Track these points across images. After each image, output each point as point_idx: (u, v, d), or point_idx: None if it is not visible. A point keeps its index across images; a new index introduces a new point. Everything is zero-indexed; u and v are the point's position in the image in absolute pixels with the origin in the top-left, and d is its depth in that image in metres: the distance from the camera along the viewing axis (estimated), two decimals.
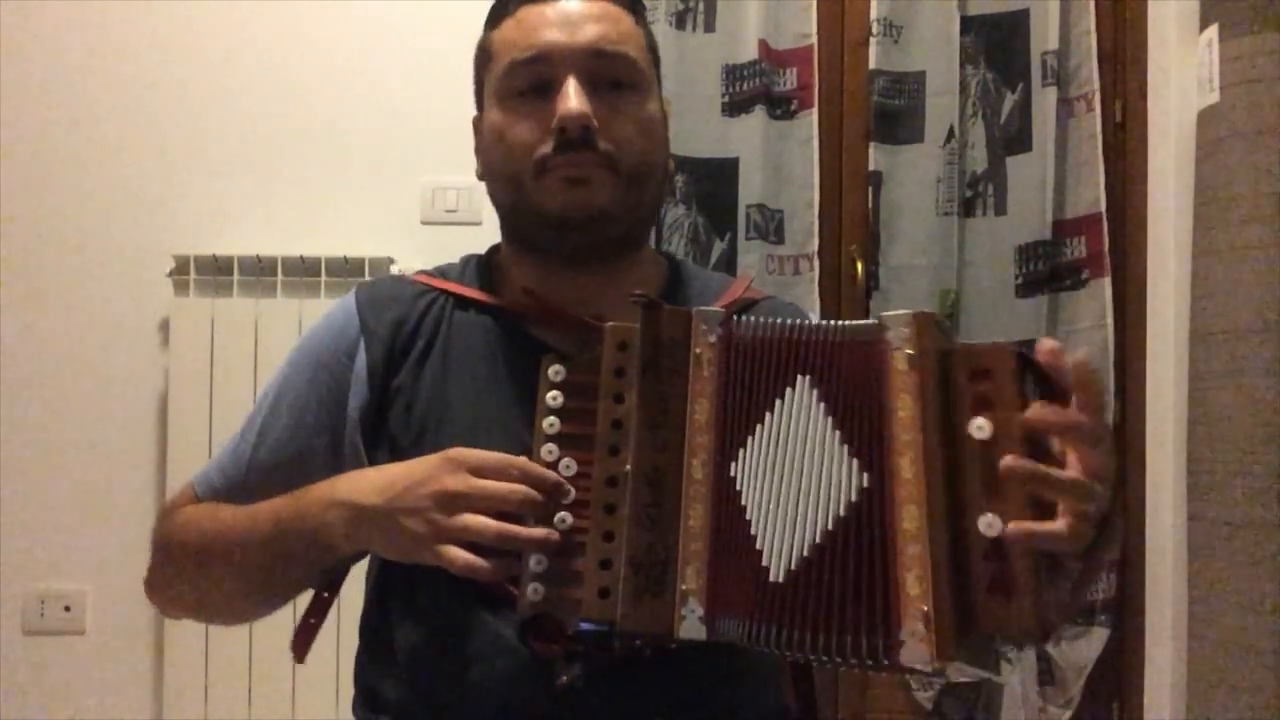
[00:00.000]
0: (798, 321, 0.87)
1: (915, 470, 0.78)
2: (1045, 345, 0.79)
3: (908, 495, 0.78)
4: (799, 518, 0.81)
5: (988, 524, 0.75)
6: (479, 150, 1.09)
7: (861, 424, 0.81)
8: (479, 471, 0.88)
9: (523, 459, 0.89)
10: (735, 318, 0.88)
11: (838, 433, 0.82)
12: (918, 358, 0.80)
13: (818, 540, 0.80)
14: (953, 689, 2.38)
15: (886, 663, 0.77)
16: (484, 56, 1.07)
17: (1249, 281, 2.02)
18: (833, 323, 0.85)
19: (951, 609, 0.75)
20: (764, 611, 0.81)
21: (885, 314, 0.82)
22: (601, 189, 1.00)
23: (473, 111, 1.11)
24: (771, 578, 0.81)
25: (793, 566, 0.80)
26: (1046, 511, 0.75)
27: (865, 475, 0.80)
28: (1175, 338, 2.26)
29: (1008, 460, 0.74)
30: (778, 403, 0.84)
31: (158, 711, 2.36)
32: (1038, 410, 0.76)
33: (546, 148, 0.99)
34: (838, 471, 0.81)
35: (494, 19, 1.07)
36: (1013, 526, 0.74)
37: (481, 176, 1.08)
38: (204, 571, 1.03)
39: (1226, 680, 2.00)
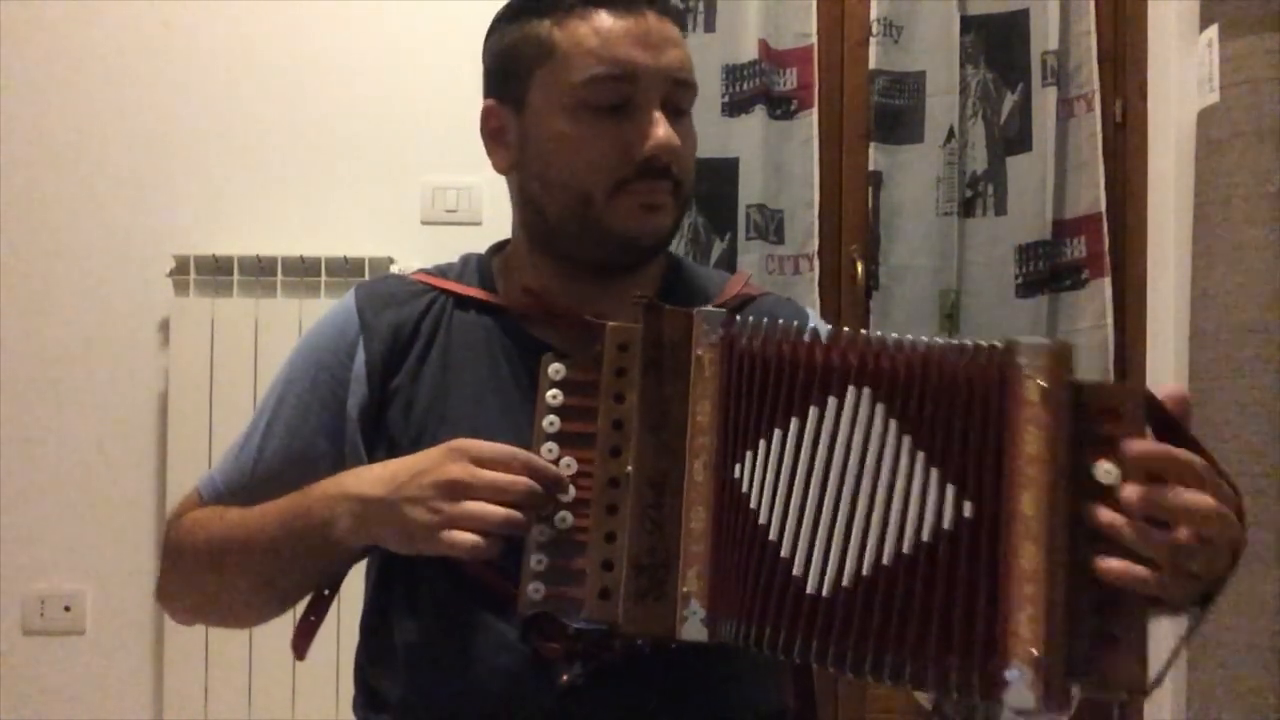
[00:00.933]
0: (879, 333, 0.84)
1: (1037, 509, 0.75)
2: (1173, 391, 0.77)
3: (1026, 532, 0.75)
4: (854, 534, 0.80)
5: (1106, 568, 0.72)
6: (507, 144, 1.04)
7: (964, 451, 0.78)
8: (482, 461, 0.88)
9: (525, 452, 0.89)
10: (738, 318, 0.88)
11: (921, 454, 0.79)
12: (1051, 391, 0.75)
13: (884, 561, 0.79)
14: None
15: (980, 697, 0.75)
16: (539, 51, 1.00)
17: (1249, 281, 2.02)
18: (919, 339, 0.81)
19: (1060, 656, 0.73)
20: (792, 621, 0.80)
21: (1020, 340, 0.78)
22: (669, 214, 1.01)
23: (473, 110, 1.06)
24: (809, 590, 0.80)
25: (845, 583, 0.79)
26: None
27: (967, 504, 0.77)
28: (1175, 338, 2.26)
29: (1128, 492, 0.72)
30: (812, 410, 0.83)
31: (158, 711, 2.36)
32: (1164, 450, 0.74)
33: (627, 171, 0.98)
34: (919, 493, 0.79)
35: (550, 9, 1.00)
36: (1130, 573, 0.72)
37: (505, 170, 1.05)
38: (215, 573, 1.03)
39: (1226, 680, 2.00)
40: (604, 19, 0.99)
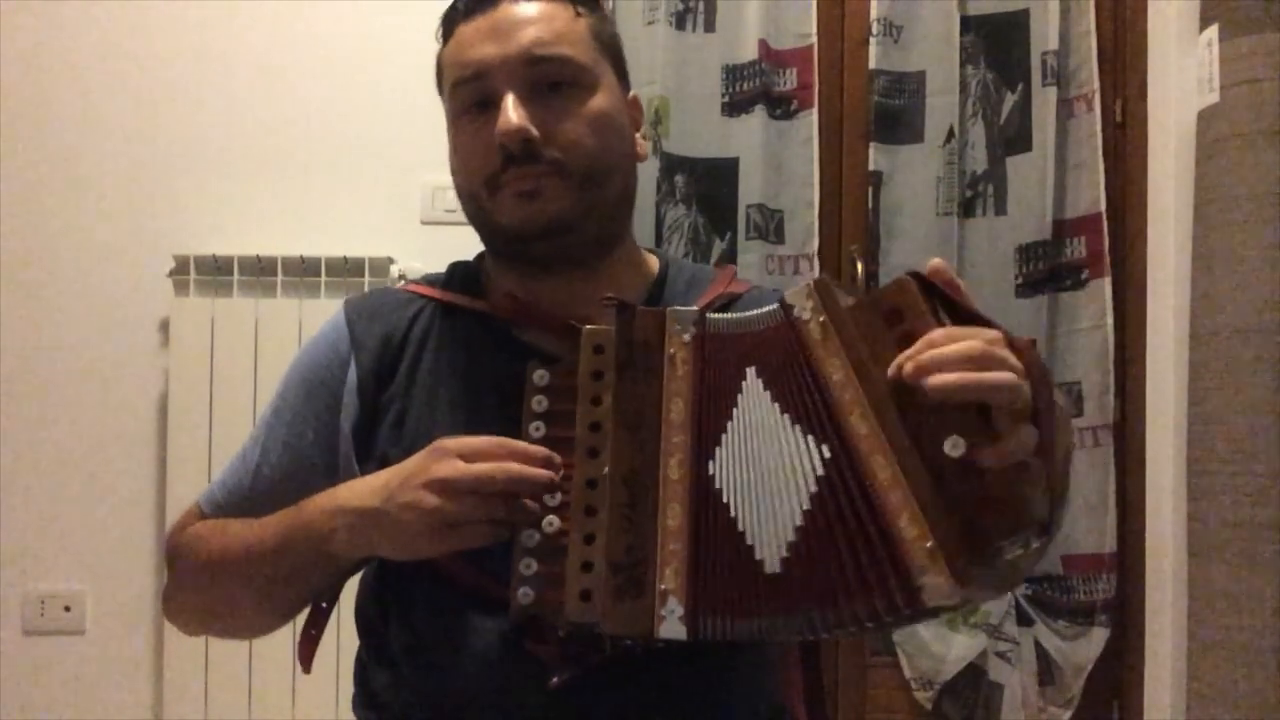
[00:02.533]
0: (744, 314, 0.89)
1: (869, 423, 0.80)
2: (934, 265, 0.81)
3: (871, 447, 0.79)
4: (776, 506, 0.82)
5: (953, 445, 0.76)
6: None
7: (803, 401, 0.83)
8: (466, 456, 0.88)
9: (509, 439, 0.89)
10: (706, 316, 0.89)
11: (786, 416, 0.83)
12: (829, 322, 0.83)
13: (799, 523, 0.81)
14: (952, 689, 2.38)
15: (910, 611, 0.77)
16: (438, 77, 1.09)
17: (1249, 282, 2.02)
18: (755, 312, 0.87)
19: (953, 536, 0.76)
20: (764, 605, 0.82)
21: (786, 291, 0.85)
22: (554, 198, 1.00)
23: None
24: (767, 570, 0.82)
25: (785, 554, 0.81)
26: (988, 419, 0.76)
27: (824, 447, 0.81)
28: (1175, 338, 2.26)
29: (935, 380, 0.75)
30: (739, 397, 0.86)
31: (158, 711, 2.36)
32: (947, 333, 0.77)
33: (494, 165, 1.00)
34: (797, 452, 0.82)
35: (443, 38, 1.07)
36: (961, 453, 0.75)
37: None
38: (216, 586, 1.03)
39: (1226, 680, 2.00)
40: (464, 28, 1.03)
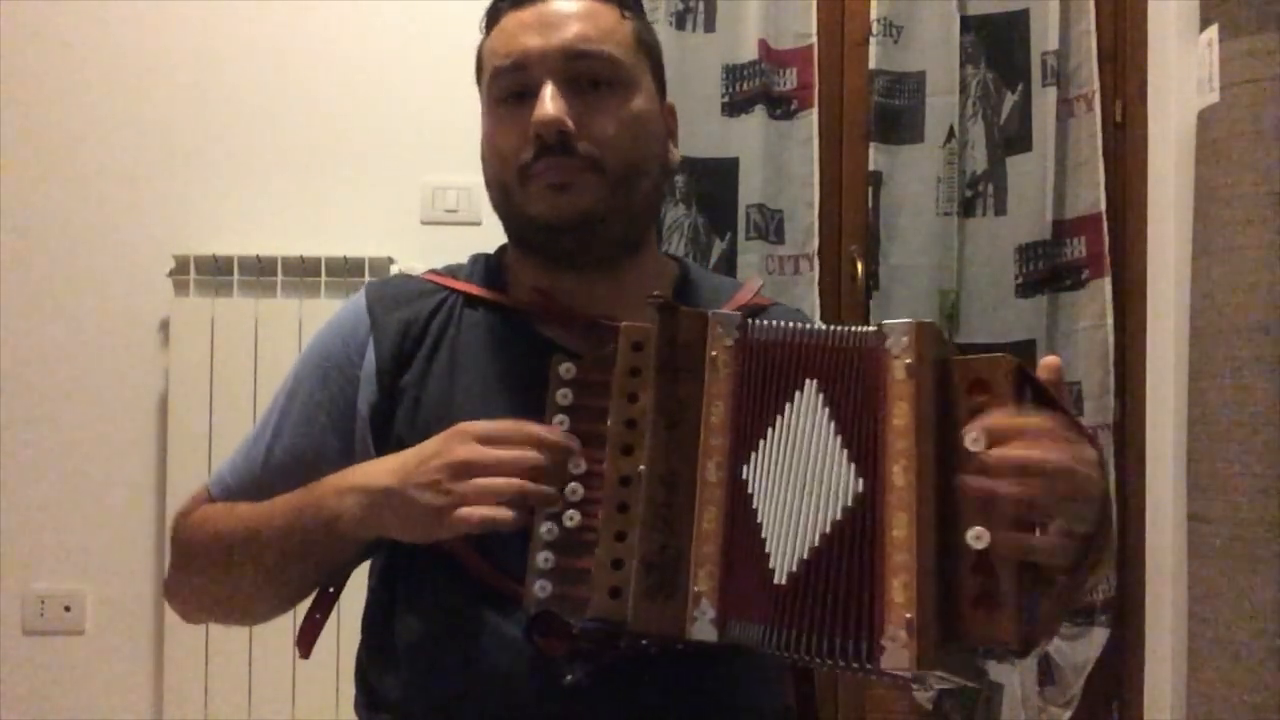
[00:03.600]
0: (808, 325, 0.88)
1: (907, 478, 0.79)
2: (1047, 361, 0.80)
3: (898, 502, 0.79)
4: (801, 521, 0.82)
5: (975, 536, 0.75)
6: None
7: (860, 430, 0.82)
8: (487, 439, 0.88)
9: (530, 424, 0.88)
10: (750, 321, 0.88)
11: (839, 437, 0.83)
12: (915, 366, 0.81)
13: (816, 544, 0.81)
14: (952, 689, 2.38)
15: (869, 666, 0.78)
16: (478, 65, 1.08)
17: (1249, 282, 2.02)
18: (839, 327, 0.86)
19: (934, 617, 0.76)
20: (767, 613, 0.82)
21: (886, 322, 0.83)
22: (585, 192, 1.00)
23: (474, 110, 1.11)
24: (776, 580, 0.82)
25: (794, 569, 0.81)
26: (1034, 529, 0.76)
27: (861, 481, 0.81)
28: (1175, 338, 2.26)
29: (995, 478, 0.75)
30: (787, 406, 0.85)
31: (158, 711, 2.36)
32: (1013, 415, 0.77)
33: (528, 154, 0.99)
34: (837, 475, 0.82)
35: (486, 28, 1.07)
36: (1001, 536, 0.75)
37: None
38: (223, 567, 1.02)
39: (1226, 681, 2.00)
40: (509, 18, 1.03)
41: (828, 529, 0.81)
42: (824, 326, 0.88)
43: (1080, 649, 2.39)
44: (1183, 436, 2.18)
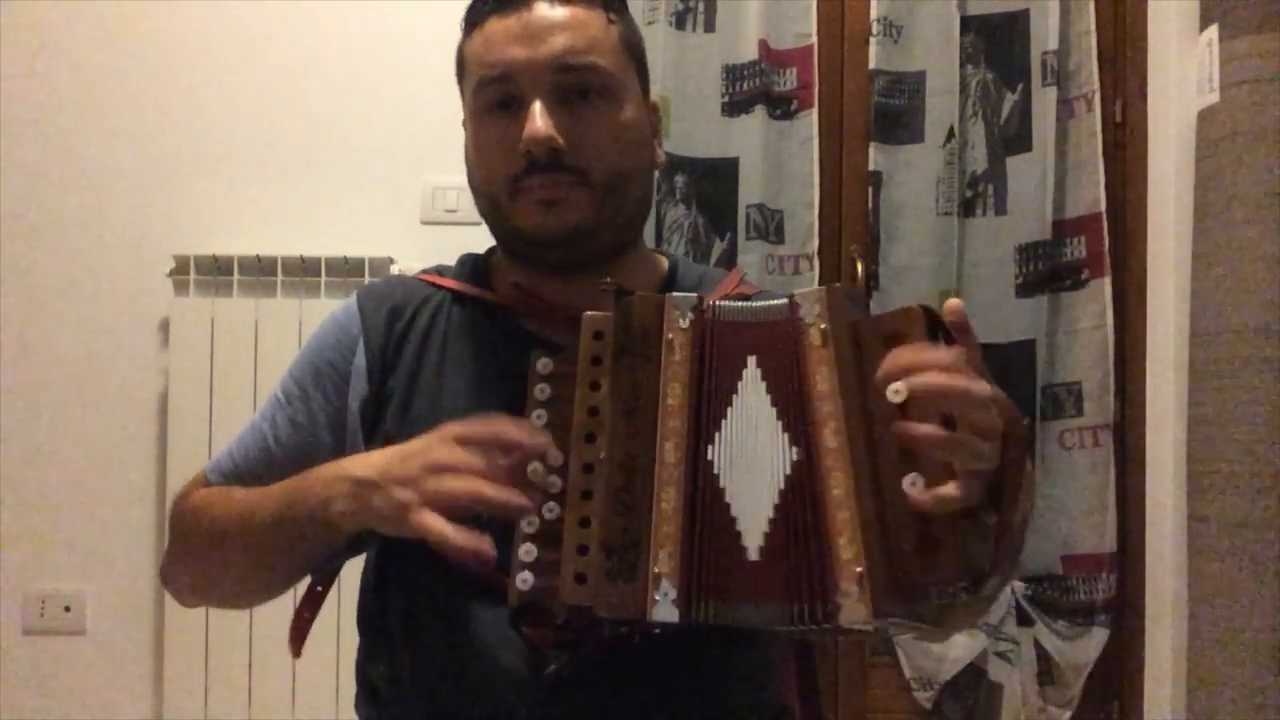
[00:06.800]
0: (756, 304, 0.89)
1: (839, 439, 0.82)
2: (950, 303, 0.82)
3: (834, 463, 0.82)
4: (759, 496, 0.84)
5: (910, 482, 0.77)
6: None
7: (790, 400, 0.85)
8: (466, 443, 0.88)
9: (503, 424, 0.88)
10: (713, 303, 0.89)
11: (775, 410, 0.85)
12: (830, 331, 0.84)
13: (771, 515, 0.83)
14: (952, 689, 2.38)
15: (829, 626, 0.80)
16: (459, 69, 1.08)
17: (1249, 282, 2.02)
18: (765, 303, 0.88)
19: (882, 567, 0.78)
20: (742, 590, 0.83)
21: (797, 291, 0.87)
22: (575, 207, 1.00)
23: None
24: (749, 557, 0.83)
25: (761, 544, 0.83)
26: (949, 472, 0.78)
27: (795, 449, 0.84)
28: (1175, 338, 2.26)
29: (914, 380, 0.77)
30: (739, 385, 0.87)
31: (158, 711, 2.36)
32: (939, 354, 0.79)
33: (516, 168, 0.99)
34: (775, 448, 0.84)
35: (467, 28, 1.06)
36: (915, 491, 0.77)
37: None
38: (216, 550, 1.03)
39: (1226, 680, 2.00)
40: (492, 24, 1.02)
41: (778, 499, 0.83)
42: (765, 303, 0.89)
43: (1080, 649, 2.39)
44: (1183, 436, 2.18)
